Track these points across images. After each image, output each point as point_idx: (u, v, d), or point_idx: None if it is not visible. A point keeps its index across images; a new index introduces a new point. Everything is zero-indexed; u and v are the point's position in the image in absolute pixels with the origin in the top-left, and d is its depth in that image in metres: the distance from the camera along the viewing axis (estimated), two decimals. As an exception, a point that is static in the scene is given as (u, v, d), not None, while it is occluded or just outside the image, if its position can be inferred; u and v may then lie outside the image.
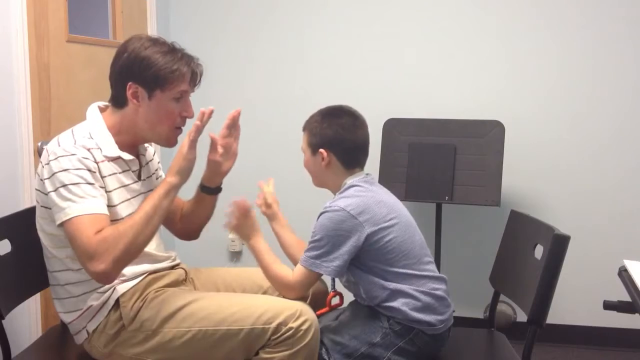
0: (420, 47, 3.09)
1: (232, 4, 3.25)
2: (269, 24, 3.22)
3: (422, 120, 2.85)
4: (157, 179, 1.92)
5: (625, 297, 1.50)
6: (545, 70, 2.98)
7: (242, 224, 1.87)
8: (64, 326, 1.98)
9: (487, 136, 2.74)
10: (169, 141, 1.77)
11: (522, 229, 2.00)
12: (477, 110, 2.97)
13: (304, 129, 1.86)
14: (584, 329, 3.01)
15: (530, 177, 3.02)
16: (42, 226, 1.70)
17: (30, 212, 2.01)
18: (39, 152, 2.26)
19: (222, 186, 1.94)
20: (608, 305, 1.55)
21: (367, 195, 1.77)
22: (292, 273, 1.75)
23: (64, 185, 1.56)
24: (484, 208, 2.88)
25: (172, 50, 1.70)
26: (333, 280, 1.85)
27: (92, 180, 1.59)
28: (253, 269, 2.04)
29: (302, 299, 1.83)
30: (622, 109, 2.94)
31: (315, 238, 1.74)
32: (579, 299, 2.97)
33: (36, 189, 1.69)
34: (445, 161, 2.75)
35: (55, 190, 1.57)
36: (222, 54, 3.27)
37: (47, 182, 1.59)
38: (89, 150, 1.62)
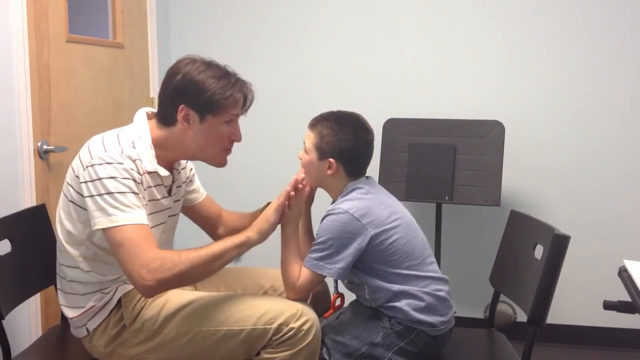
0: (420, 47, 3.09)
1: (232, 4, 3.25)
2: (269, 24, 3.22)
3: (422, 120, 2.85)
4: (187, 185, 1.93)
5: (625, 297, 1.50)
6: (545, 70, 2.98)
7: (295, 210, 1.80)
8: (64, 326, 1.99)
9: (487, 136, 2.74)
10: (219, 163, 1.78)
11: (522, 229, 2.00)
12: (477, 110, 2.97)
13: (312, 127, 1.82)
14: (584, 329, 3.01)
15: (530, 177, 3.02)
16: (62, 220, 1.70)
17: (30, 212, 2.02)
18: (39, 152, 2.26)
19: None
20: (608, 305, 1.55)
21: (369, 197, 1.77)
22: (300, 275, 1.74)
23: (110, 193, 1.55)
24: (484, 208, 2.88)
25: (226, 75, 1.69)
26: (336, 281, 1.85)
27: (137, 191, 1.59)
28: (254, 269, 2.04)
29: (303, 299, 1.83)
30: (622, 109, 2.94)
31: (320, 240, 1.74)
32: (579, 299, 2.97)
33: (68, 183, 1.68)
34: (445, 161, 2.75)
35: (99, 195, 1.55)
36: (222, 54, 3.20)
37: (90, 185, 1.57)
38: (134, 161, 1.62)
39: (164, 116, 1.71)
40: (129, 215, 1.55)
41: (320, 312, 1.82)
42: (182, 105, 1.66)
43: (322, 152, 1.79)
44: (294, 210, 1.79)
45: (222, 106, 1.67)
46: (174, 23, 3.30)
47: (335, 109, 1.81)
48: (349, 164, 1.80)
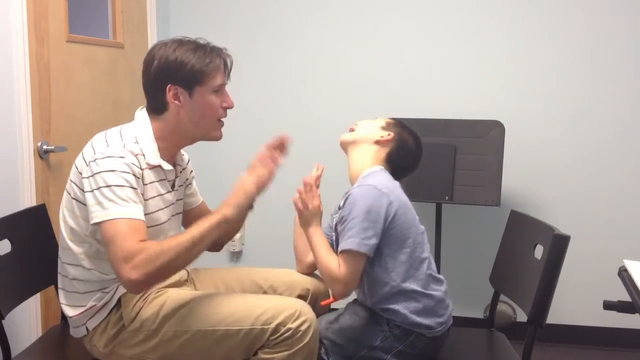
0: (420, 47, 3.09)
1: (232, 4, 3.25)
2: (269, 24, 3.22)
3: (422, 120, 2.84)
4: (186, 187, 1.93)
5: (625, 297, 1.50)
6: (545, 70, 2.98)
7: (313, 206, 1.81)
8: (64, 326, 1.99)
9: (487, 136, 2.74)
10: (215, 136, 1.78)
11: (522, 229, 2.00)
12: (477, 110, 2.97)
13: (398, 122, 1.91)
14: (584, 329, 3.01)
15: (530, 177, 3.02)
16: (66, 217, 1.70)
17: (30, 212, 2.02)
18: (39, 152, 2.26)
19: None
20: (608, 305, 1.55)
21: (391, 179, 1.81)
22: (340, 265, 1.71)
23: (108, 186, 1.56)
24: (484, 208, 2.88)
25: (200, 46, 1.72)
26: None
27: (135, 186, 1.59)
28: (253, 269, 2.04)
29: (302, 298, 1.85)
30: (622, 109, 2.94)
31: (351, 217, 1.71)
32: (579, 299, 2.97)
33: (71, 180, 1.69)
34: (445, 161, 2.75)
35: (98, 189, 1.56)
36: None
37: (90, 179, 1.58)
38: (136, 156, 1.63)
39: (155, 104, 1.73)
40: (124, 210, 1.55)
41: (319, 313, 1.83)
42: (168, 85, 1.68)
43: (390, 129, 1.86)
44: (309, 208, 1.80)
45: (205, 73, 1.69)
46: (174, 23, 3.29)
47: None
48: (395, 161, 1.85)
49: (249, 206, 1.68)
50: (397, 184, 1.81)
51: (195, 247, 1.58)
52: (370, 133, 1.87)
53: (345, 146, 1.90)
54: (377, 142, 1.85)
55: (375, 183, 1.74)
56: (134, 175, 1.60)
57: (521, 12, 2.98)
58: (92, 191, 1.57)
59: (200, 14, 3.28)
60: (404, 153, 1.86)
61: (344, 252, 1.71)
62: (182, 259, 1.56)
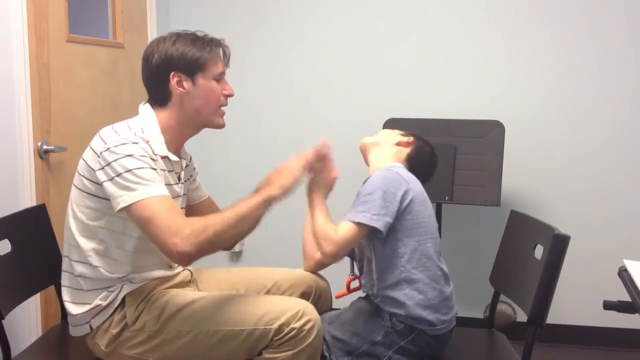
0: (420, 47, 3.09)
1: (232, 5, 3.25)
2: (269, 24, 3.22)
3: (422, 120, 2.85)
4: (190, 183, 1.94)
5: (625, 297, 1.50)
6: (545, 70, 2.98)
7: (323, 175, 1.82)
8: (64, 326, 1.99)
9: (487, 136, 2.74)
10: (218, 123, 1.80)
11: (522, 229, 2.00)
12: (477, 110, 2.97)
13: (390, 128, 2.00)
14: (584, 329, 3.02)
15: (530, 177, 3.02)
16: (76, 212, 1.70)
17: (30, 212, 2.02)
18: (39, 152, 2.26)
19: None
20: (608, 305, 1.55)
21: (411, 175, 1.83)
22: (337, 228, 1.70)
23: (129, 170, 1.56)
24: (484, 208, 2.88)
25: (199, 37, 1.76)
26: (352, 263, 1.86)
27: (155, 167, 1.61)
28: (255, 268, 2.04)
29: (306, 296, 1.85)
30: (622, 109, 2.94)
31: (367, 192, 1.73)
32: (579, 299, 2.98)
33: (80, 174, 1.68)
34: (445, 161, 2.74)
35: (118, 175, 1.56)
36: (222, 54, 3.25)
37: (107, 168, 1.58)
38: (147, 142, 1.64)
39: (158, 96, 1.74)
40: (152, 189, 1.56)
41: (322, 312, 1.83)
42: (172, 73, 1.70)
43: (408, 136, 1.93)
44: (320, 176, 1.80)
45: (207, 60, 1.72)
46: (174, 23, 3.29)
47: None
48: (414, 163, 1.90)
49: (293, 189, 1.67)
50: (417, 180, 1.84)
51: (241, 223, 1.59)
52: (391, 137, 1.94)
53: (365, 148, 1.94)
54: (398, 144, 1.91)
55: (397, 170, 1.79)
56: (151, 158, 1.61)
57: (521, 12, 2.98)
58: (111, 179, 1.57)
59: (200, 14, 3.28)
60: (422, 157, 1.93)
61: (349, 220, 1.71)
62: (228, 233, 1.58)
